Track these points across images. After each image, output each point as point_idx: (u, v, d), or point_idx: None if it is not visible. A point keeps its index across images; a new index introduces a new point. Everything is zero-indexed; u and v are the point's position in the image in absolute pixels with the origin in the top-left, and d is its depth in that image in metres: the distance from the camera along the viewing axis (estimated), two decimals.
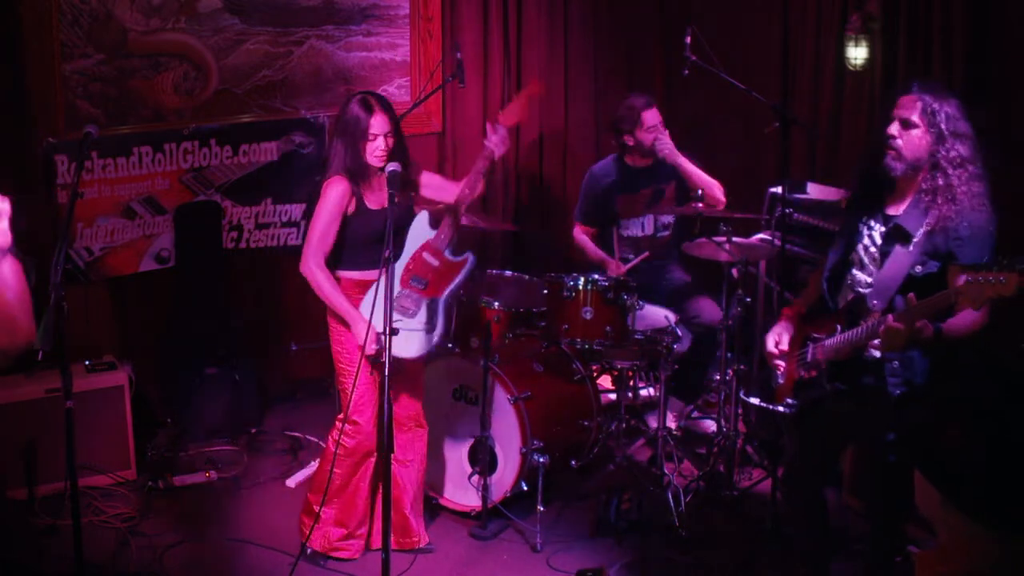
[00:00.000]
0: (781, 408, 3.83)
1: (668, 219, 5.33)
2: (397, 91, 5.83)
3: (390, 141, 3.97)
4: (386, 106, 4.00)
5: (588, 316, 4.64)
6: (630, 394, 5.28)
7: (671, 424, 5.17)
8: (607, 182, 5.32)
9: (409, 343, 4.07)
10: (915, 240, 3.39)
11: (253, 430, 5.38)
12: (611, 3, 6.30)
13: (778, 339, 3.70)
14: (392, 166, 3.78)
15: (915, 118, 3.36)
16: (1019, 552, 1.91)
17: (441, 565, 4.37)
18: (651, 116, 5.18)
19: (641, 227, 5.32)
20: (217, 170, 5.38)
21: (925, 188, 3.37)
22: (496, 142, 4.15)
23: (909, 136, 3.37)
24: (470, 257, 4.20)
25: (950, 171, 3.33)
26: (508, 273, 5.27)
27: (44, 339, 3.30)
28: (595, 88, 6.35)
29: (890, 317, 3.28)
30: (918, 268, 3.38)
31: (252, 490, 4.91)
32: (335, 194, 3.98)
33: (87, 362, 4.92)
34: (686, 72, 4.95)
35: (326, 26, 5.57)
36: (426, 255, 4.14)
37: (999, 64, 4.78)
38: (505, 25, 6.02)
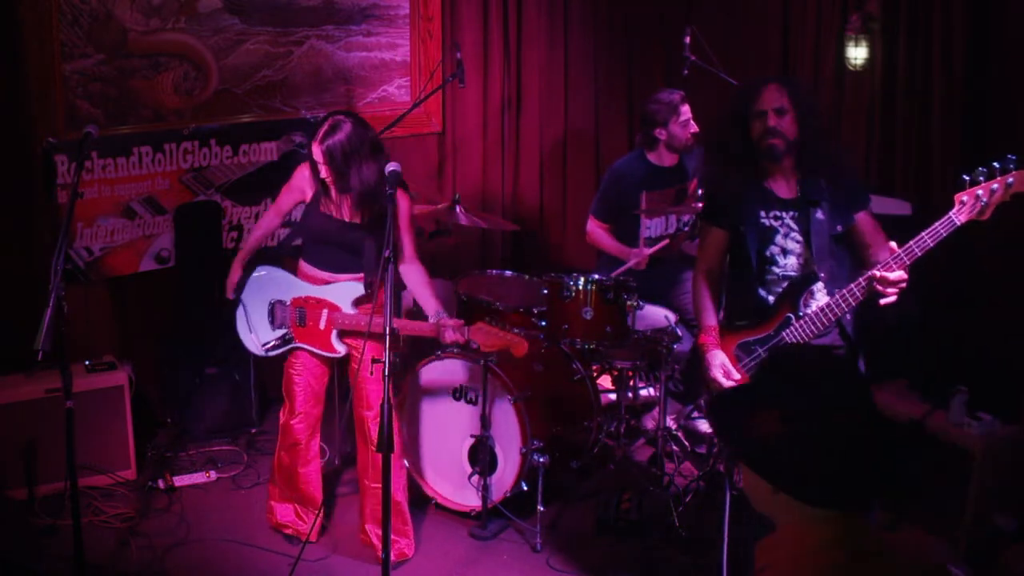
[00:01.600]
0: None
1: (688, 217, 5.31)
2: (397, 91, 5.83)
3: (324, 171, 4.00)
4: (324, 140, 3.95)
5: (588, 316, 4.64)
6: (630, 394, 5.28)
7: (670, 425, 5.17)
8: (633, 179, 5.24)
9: (248, 337, 4.34)
10: (823, 205, 3.65)
11: (253, 430, 5.38)
12: (611, 3, 6.30)
13: (726, 371, 3.74)
14: (392, 166, 3.78)
15: (785, 104, 3.65)
16: (855, 527, 1.94)
17: (441, 565, 4.37)
18: (686, 109, 5.16)
19: (664, 226, 5.30)
20: (217, 170, 5.38)
21: (807, 160, 3.66)
22: (449, 337, 3.98)
23: (785, 121, 3.65)
24: (337, 355, 4.20)
25: (820, 140, 3.67)
26: (508, 273, 5.27)
27: (44, 339, 3.29)
28: (595, 88, 6.35)
29: (881, 273, 3.44)
30: (838, 227, 3.68)
31: (252, 490, 4.91)
32: (297, 174, 4.23)
33: (87, 362, 4.92)
34: (686, 72, 4.96)
35: (326, 26, 5.57)
36: (326, 313, 4.13)
37: (999, 64, 4.78)
38: (505, 25, 6.02)
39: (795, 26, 5.79)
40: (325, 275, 4.18)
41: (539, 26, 6.11)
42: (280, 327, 4.23)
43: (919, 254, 3.40)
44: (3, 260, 4.94)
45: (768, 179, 3.73)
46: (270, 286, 4.26)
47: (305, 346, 4.20)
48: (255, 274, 4.30)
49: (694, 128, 5.19)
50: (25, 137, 4.94)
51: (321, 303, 4.15)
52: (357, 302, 4.14)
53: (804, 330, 3.63)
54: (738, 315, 3.84)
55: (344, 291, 4.14)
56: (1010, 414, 4.36)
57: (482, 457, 4.58)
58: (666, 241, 5.13)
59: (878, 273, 3.44)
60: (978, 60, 4.81)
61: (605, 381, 5.43)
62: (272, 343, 4.27)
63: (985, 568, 4.18)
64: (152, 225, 5.28)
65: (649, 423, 5.34)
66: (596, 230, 5.34)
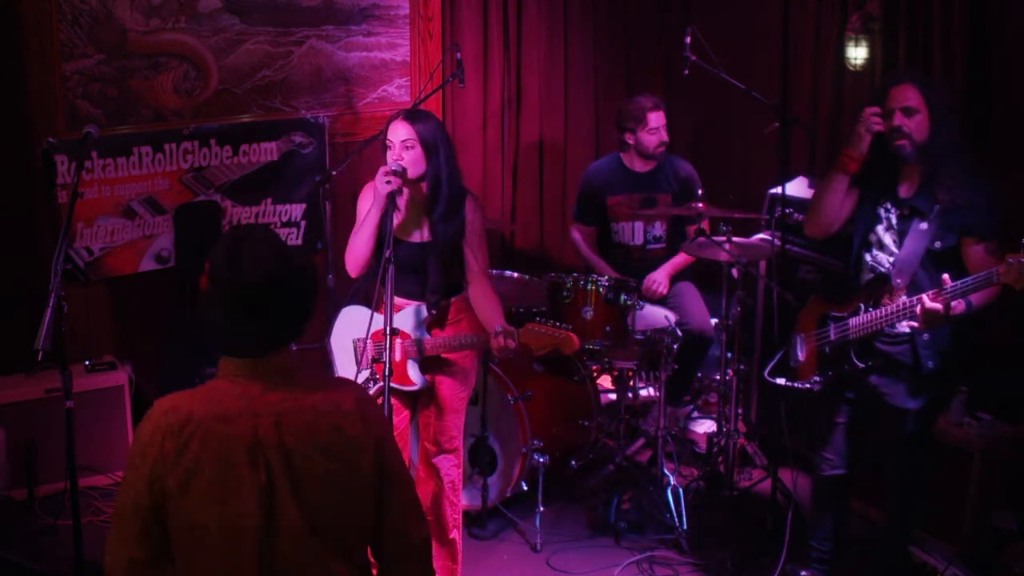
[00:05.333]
0: (807, 385, 3.87)
1: (659, 232, 5.29)
2: (397, 91, 5.83)
3: (409, 154, 3.74)
4: (413, 119, 3.78)
5: (588, 316, 4.64)
6: (630, 394, 5.28)
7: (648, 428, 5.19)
8: (600, 182, 5.28)
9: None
10: (930, 217, 3.55)
11: None
12: (611, 3, 6.30)
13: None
14: (394, 165, 3.75)
15: (915, 104, 3.56)
16: (263, 367, 2.29)
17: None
18: (656, 118, 5.12)
19: (632, 234, 5.27)
20: (217, 170, 5.38)
21: (929, 168, 3.55)
22: (497, 346, 3.72)
23: (913, 122, 3.56)
24: (415, 388, 3.85)
25: (949, 151, 3.53)
26: (508, 273, 5.27)
27: (44, 339, 3.29)
28: (595, 88, 6.35)
29: (926, 298, 3.41)
30: (937, 244, 3.56)
31: None
32: (360, 200, 3.92)
33: (87, 362, 4.92)
34: (686, 72, 4.95)
35: (326, 26, 5.57)
36: (399, 343, 3.80)
37: (999, 64, 4.78)
38: (505, 25, 6.02)
39: (795, 26, 5.79)
40: (397, 302, 3.79)
41: (539, 26, 6.11)
42: (367, 367, 3.86)
43: (959, 295, 3.37)
44: (3, 260, 4.94)
45: (901, 173, 3.67)
46: (353, 324, 3.95)
47: (393, 386, 3.71)
48: (340, 316, 4.00)
49: (663, 137, 5.14)
50: (25, 137, 4.94)
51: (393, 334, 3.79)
52: (429, 327, 3.86)
53: (865, 325, 3.65)
54: (836, 286, 3.88)
55: (412, 317, 3.83)
56: (1010, 414, 4.36)
57: (482, 457, 4.58)
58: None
59: (926, 303, 3.40)
60: (978, 60, 4.81)
61: (605, 381, 5.43)
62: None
63: (985, 568, 4.19)
64: (152, 225, 5.28)
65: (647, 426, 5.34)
66: (575, 236, 5.35)
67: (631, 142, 5.18)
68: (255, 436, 2.22)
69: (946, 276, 3.38)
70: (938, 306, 3.37)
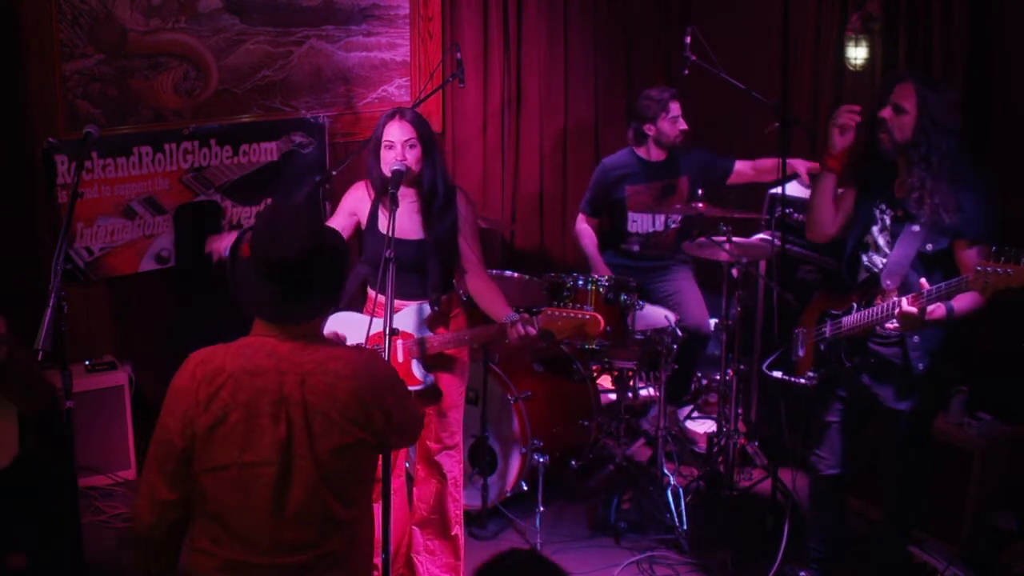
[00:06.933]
0: (803, 380, 3.88)
1: (677, 216, 5.33)
2: (397, 91, 5.83)
3: (412, 153, 3.74)
4: (412, 118, 3.78)
5: None
6: (630, 394, 5.28)
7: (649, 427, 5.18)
8: (619, 172, 5.32)
9: None
10: (922, 220, 3.54)
11: None
12: (611, 3, 6.30)
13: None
14: (397, 165, 3.74)
15: (907, 105, 3.54)
16: (284, 331, 2.56)
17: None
18: (676, 107, 5.22)
19: (652, 221, 5.32)
20: (217, 170, 5.38)
21: (915, 170, 3.53)
22: (516, 335, 3.70)
23: (899, 121, 3.55)
24: (422, 387, 3.80)
25: (936, 158, 3.50)
26: (508, 273, 5.27)
27: (44, 339, 3.29)
28: (595, 88, 6.35)
29: (904, 301, 3.41)
30: (928, 246, 3.55)
31: None
32: (347, 195, 3.97)
33: (87, 362, 4.92)
34: (686, 72, 4.96)
35: (326, 26, 5.57)
36: (400, 343, 3.77)
37: (999, 64, 4.78)
38: (505, 25, 6.02)
39: (795, 26, 5.79)
40: (396, 303, 3.67)
41: (539, 26, 6.11)
42: None
43: (935, 300, 3.38)
44: (3, 260, 4.94)
45: (897, 174, 3.64)
46: (343, 330, 3.86)
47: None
48: (328, 321, 3.90)
49: (683, 126, 5.24)
50: (25, 137, 4.94)
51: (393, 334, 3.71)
52: (431, 325, 3.85)
53: (856, 323, 3.66)
54: (837, 284, 3.87)
55: (413, 315, 3.80)
56: (1010, 414, 4.36)
57: (482, 457, 4.58)
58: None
59: (903, 305, 3.40)
60: (978, 60, 4.81)
61: (605, 381, 5.43)
62: None
63: (985, 568, 4.19)
64: (152, 225, 5.28)
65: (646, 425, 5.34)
66: (582, 226, 5.38)
67: (651, 132, 5.24)
68: (281, 392, 2.46)
69: (923, 280, 3.40)
70: (913, 309, 3.38)
